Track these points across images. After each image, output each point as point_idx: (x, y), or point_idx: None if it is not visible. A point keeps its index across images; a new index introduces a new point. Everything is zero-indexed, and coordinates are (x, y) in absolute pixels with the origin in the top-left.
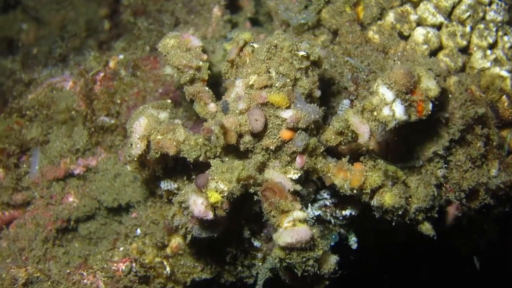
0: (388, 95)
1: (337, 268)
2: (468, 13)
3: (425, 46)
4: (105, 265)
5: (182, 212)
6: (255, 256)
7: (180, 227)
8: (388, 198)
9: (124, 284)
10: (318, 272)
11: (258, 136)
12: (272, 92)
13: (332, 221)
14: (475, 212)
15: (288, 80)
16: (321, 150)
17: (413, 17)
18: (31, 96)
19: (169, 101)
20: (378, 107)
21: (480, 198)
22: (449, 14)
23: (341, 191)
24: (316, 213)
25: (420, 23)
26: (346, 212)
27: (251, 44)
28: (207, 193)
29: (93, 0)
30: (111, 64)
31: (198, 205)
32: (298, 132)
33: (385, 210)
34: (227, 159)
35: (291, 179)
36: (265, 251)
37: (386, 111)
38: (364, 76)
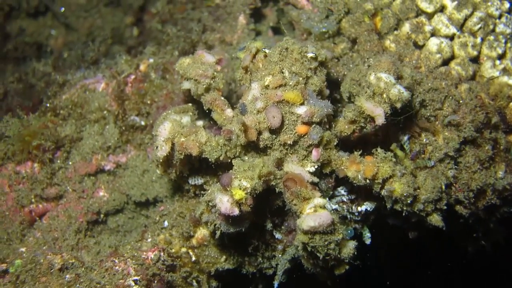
0: (391, 78)
1: (356, 253)
2: (479, 25)
3: (438, 55)
4: (135, 254)
5: (210, 210)
6: (276, 248)
7: (209, 224)
8: (397, 186)
9: (153, 272)
10: (339, 255)
11: (276, 132)
12: (286, 90)
13: (348, 216)
14: (482, 212)
15: (301, 78)
16: (335, 143)
17: (427, 28)
18: (65, 96)
19: (190, 104)
20: (386, 89)
21: (487, 198)
22: (461, 26)
23: (354, 182)
24: (334, 207)
25: (434, 33)
26: (362, 208)
27: (263, 50)
28: (232, 191)
29: (119, 9)
30: (142, 67)
31: (224, 202)
32: (313, 126)
33: (394, 199)
34: (246, 158)
35: (309, 172)
36: (285, 243)
37: (395, 91)
38: None
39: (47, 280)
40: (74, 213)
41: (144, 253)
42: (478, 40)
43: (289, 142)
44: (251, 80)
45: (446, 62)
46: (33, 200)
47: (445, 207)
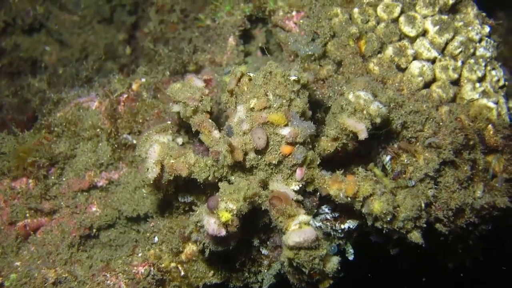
0: (369, 95)
1: (339, 268)
2: (460, 49)
3: (420, 78)
4: (126, 268)
5: (198, 230)
6: (262, 263)
7: (198, 243)
8: (377, 204)
9: (143, 286)
10: (323, 270)
11: (261, 153)
12: (271, 113)
13: (332, 233)
14: (461, 229)
15: (284, 100)
16: (318, 162)
17: (410, 52)
18: (60, 114)
19: (169, 122)
20: (366, 106)
21: (466, 216)
22: (442, 50)
23: (336, 200)
24: (318, 224)
25: (416, 57)
26: (345, 226)
27: (248, 74)
28: (219, 214)
29: (112, 26)
30: (134, 86)
31: (212, 224)
32: (297, 146)
33: (375, 217)
34: (233, 177)
35: (293, 190)
36: (271, 258)
37: (374, 107)
38: None
39: None
40: (68, 227)
41: (135, 267)
42: (459, 63)
43: (274, 162)
44: (236, 103)
45: (427, 84)
46: (27, 215)
47: (424, 225)
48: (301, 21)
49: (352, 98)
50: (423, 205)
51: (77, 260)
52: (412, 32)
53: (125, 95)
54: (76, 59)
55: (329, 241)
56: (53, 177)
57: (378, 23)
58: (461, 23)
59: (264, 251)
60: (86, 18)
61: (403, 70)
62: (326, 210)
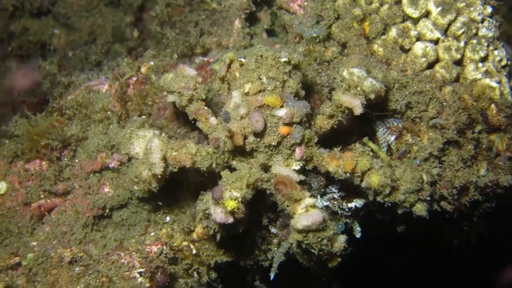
0: (362, 72)
1: (346, 246)
2: (462, 30)
3: (423, 59)
4: (140, 247)
5: (207, 217)
6: (271, 242)
7: (209, 228)
8: (374, 178)
9: (156, 264)
10: (331, 250)
11: (260, 135)
12: (266, 95)
13: (339, 212)
14: (466, 207)
15: (278, 82)
16: (315, 140)
17: (413, 33)
18: (71, 97)
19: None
20: (360, 82)
21: (470, 194)
22: (445, 31)
23: (335, 176)
24: (325, 203)
25: (419, 38)
26: (352, 205)
27: (239, 59)
28: (224, 203)
29: (119, 9)
30: (143, 69)
31: (219, 213)
32: (294, 126)
33: (374, 191)
34: (234, 162)
35: (295, 170)
36: (280, 237)
37: (367, 83)
38: None
39: (57, 272)
40: (81, 208)
41: (148, 246)
42: (462, 44)
43: (273, 143)
44: (230, 89)
45: (431, 65)
46: (42, 196)
47: (428, 198)
48: (305, 3)
49: (346, 75)
50: (424, 177)
51: (91, 240)
52: (415, 14)
53: (134, 78)
54: (85, 42)
55: (337, 219)
56: (66, 159)
57: (381, 4)
58: (463, 4)
59: (273, 230)
60: (93, 1)
61: (406, 51)
62: (333, 189)
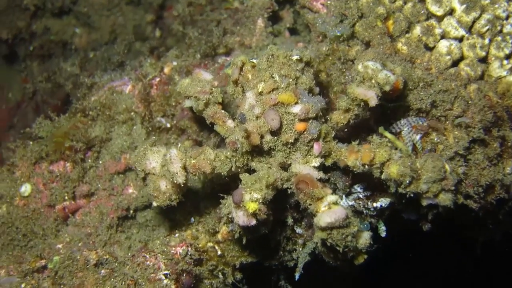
0: (377, 65)
1: (372, 242)
2: (487, 27)
3: (448, 57)
4: (165, 249)
5: (231, 220)
6: (296, 242)
7: (234, 232)
8: (393, 168)
9: (182, 266)
10: (357, 246)
11: (276, 134)
12: (280, 93)
13: (364, 211)
14: (491, 205)
15: (291, 79)
16: (332, 135)
17: (437, 31)
18: (94, 98)
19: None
20: (374, 75)
21: (496, 192)
22: (469, 28)
23: (354, 170)
24: (350, 203)
25: (444, 36)
26: (377, 204)
27: (251, 60)
28: (245, 206)
29: (140, 7)
30: (166, 70)
31: (241, 217)
32: (310, 121)
33: (394, 182)
34: (254, 163)
35: (314, 167)
36: (305, 237)
37: (382, 75)
38: None
39: (83, 275)
40: (105, 209)
41: (173, 248)
42: (486, 41)
43: (290, 140)
44: (244, 91)
45: (455, 63)
46: (66, 197)
47: (453, 188)
48: (328, 2)
49: (361, 68)
50: (447, 167)
51: (116, 241)
52: (439, 11)
53: (158, 79)
54: (105, 41)
55: (362, 219)
56: (90, 160)
57: (405, 2)
58: (487, 1)
59: (298, 230)
60: (114, 0)
61: (431, 49)
62: (358, 189)
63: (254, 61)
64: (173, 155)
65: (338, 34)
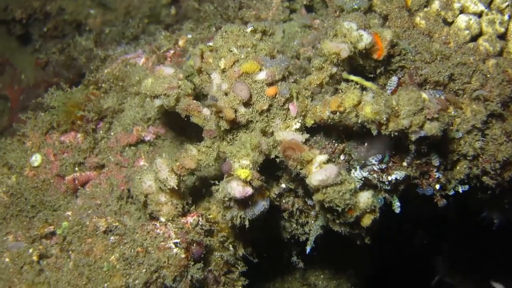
0: (352, 25)
1: (375, 201)
2: (507, 3)
3: (466, 32)
4: (175, 218)
5: (228, 207)
6: (309, 214)
7: (234, 219)
8: (367, 108)
9: (192, 235)
10: (358, 205)
11: (249, 104)
12: (241, 64)
13: (379, 185)
14: (508, 183)
15: (249, 48)
16: (307, 95)
17: (456, 5)
18: (107, 70)
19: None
20: (347, 33)
21: None
22: (489, 3)
23: (330, 122)
24: (365, 175)
25: (462, 10)
26: (392, 177)
27: (207, 44)
28: (236, 173)
29: None
30: (180, 42)
31: (235, 187)
32: (279, 83)
33: (372, 123)
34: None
35: (296, 130)
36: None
37: (355, 34)
38: (411, 57)
39: (92, 241)
40: (116, 181)
41: (184, 218)
42: (506, 17)
43: (265, 107)
44: (209, 75)
45: (474, 38)
46: (76, 168)
47: (437, 115)
48: None
49: (337, 27)
50: (424, 95)
51: (126, 212)
52: None
53: (172, 51)
54: (120, 22)
55: (376, 193)
56: (101, 132)
57: None
58: None
59: (310, 202)
60: None
61: (449, 24)
62: (373, 161)
63: (211, 44)
64: (159, 163)
65: (356, 7)
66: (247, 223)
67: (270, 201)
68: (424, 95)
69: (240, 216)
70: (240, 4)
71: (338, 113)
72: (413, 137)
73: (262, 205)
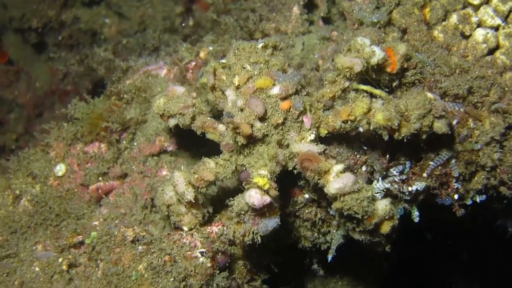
0: (365, 40)
1: (393, 208)
2: None
3: (484, 45)
4: (201, 228)
5: (242, 222)
6: (331, 224)
7: (246, 235)
8: (379, 115)
9: (217, 245)
10: (377, 212)
11: (264, 119)
12: (255, 80)
13: (399, 195)
14: None
15: (262, 64)
16: (319, 106)
17: (474, 19)
18: (129, 82)
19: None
20: (361, 48)
21: None
22: (505, 17)
23: (343, 130)
24: (386, 186)
25: (480, 24)
26: (413, 188)
27: (220, 62)
28: (255, 181)
29: None
30: (202, 54)
31: (254, 195)
32: (292, 97)
33: (384, 129)
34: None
35: (311, 141)
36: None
37: (367, 49)
38: (430, 70)
39: (121, 251)
40: (139, 190)
41: (209, 227)
42: None
43: (280, 121)
44: (223, 92)
45: (491, 51)
46: (100, 178)
47: (443, 112)
48: None
49: (351, 42)
50: (430, 95)
51: (151, 221)
52: (475, 0)
53: (193, 63)
54: (135, 31)
55: (396, 204)
56: (124, 142)
57: None
58: None
59: (332, 212)
60: None
61: (467, 37)
62: (395, 172)
63: (223, 61)
64: (176, 177)
65: (375, 20)
66: (258, 239)
67: (293, 211)
68: (429, 95)
69: (253, 232)
70: (260, 17)
71: (349, 121)
72: (424, 136)
73: (275, 222)
